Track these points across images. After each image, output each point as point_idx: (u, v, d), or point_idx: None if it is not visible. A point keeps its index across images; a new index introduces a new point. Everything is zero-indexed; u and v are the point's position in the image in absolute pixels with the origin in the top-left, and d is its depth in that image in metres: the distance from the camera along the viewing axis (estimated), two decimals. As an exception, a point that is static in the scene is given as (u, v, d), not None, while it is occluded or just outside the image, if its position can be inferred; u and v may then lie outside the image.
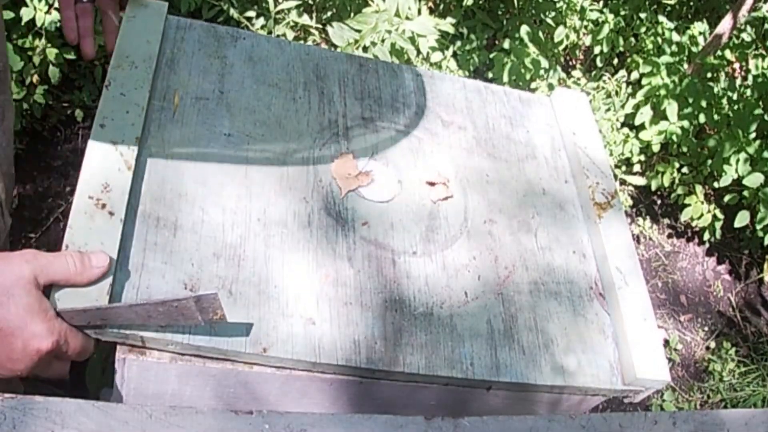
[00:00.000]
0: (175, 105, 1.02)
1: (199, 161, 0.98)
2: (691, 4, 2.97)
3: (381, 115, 1.15)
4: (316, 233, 0.97)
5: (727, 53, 2.57)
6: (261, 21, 2.12)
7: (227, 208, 0.94)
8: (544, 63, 2.38)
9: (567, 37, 2.56)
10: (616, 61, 2.81)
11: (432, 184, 1.10)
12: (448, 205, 1.09)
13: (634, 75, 2.58)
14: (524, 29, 2.42)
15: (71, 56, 1.82)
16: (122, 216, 0.86)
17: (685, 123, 2.33)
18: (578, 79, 2.68)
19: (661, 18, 2.66)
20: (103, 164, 0.90)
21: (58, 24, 1.71)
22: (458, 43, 2.45)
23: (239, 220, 0.94)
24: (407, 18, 1.94)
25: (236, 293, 0.87)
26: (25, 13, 1.67)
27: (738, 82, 2.57)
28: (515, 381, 0.94)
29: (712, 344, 2.36)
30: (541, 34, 2.51)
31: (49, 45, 1.76)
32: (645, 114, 2.42)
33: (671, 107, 2.33)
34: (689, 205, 2.40)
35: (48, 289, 0.78)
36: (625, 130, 2.53)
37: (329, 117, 1.11)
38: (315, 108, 1.12)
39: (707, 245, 2.59)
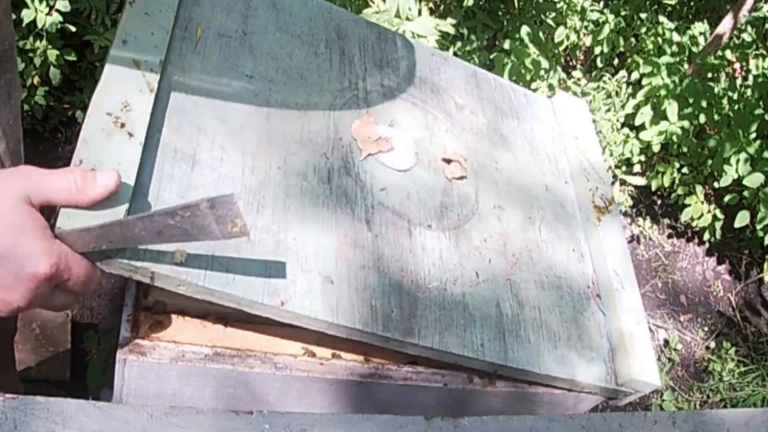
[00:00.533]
0: (198, 37, 0.97)
1: (219, 98, 0.93)
2: (692, 4, 2.97)
3: (399, 86, 1.15)
4: (335, 191, 0.94)
5: (728, 53, 2.57)
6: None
7: (247, 151, 0.90)
8: (545, 63, 2.38)
9: (567, 37, 2.57)
10: (616, 61, 2.82)
11: (448, 161, 1.09)
12: (460, 185, 1.09)
13: (635, 75, 2.58)
14: (524, 30, 2.42)
15: (72, 58, 1.82)
16: (142, 139, 0.79)
17: (686, 123, 2.33)
18: (578, 79, 2.68)
19: (662, 18, 2.66)
20: (124, 82, 0.84)
21: (59, 25, 1.71)
22: (459, 44, 2.45)
23: (259, 165, 0.90)
24: (407, 19, 1.94)
25: (255, 240, 0.83)
26: (26, 15, 1.67)
27: (738, 82, 2.57)
28: (521, 368, 0.94)
29: (712, 344, 2.36)
30: (541, 34, 2.51)
31: (49, 46, 1.76)
32: (645, 114, 2.42)
33: (671, 107, 2.33)
34: (689, 205, 2.40)
35: (47, 215, 0.70)
36: (626, 130, 2.53)
37: (350, 78, 1.10)
38: (336, 67, 1.10)
39: (707, 245, 2.59)
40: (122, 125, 0.79)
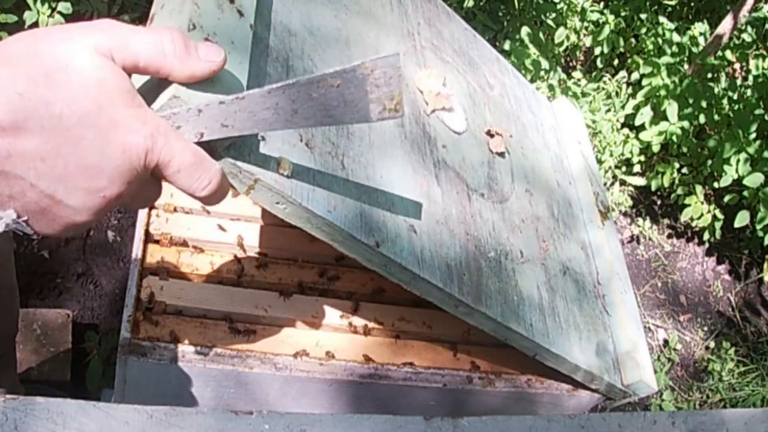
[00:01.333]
0: None
1: (301, 4, 0.86)
2: (692, 4, 2.97)
3: (445, 50, 1.11)
4: (409, 137, 0.90)
5: (728, 53, 2.57)
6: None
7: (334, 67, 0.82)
8: (545, 64, 2.38)
9: (567, 38, 2.57)
10: (616, 61, 2.82)
11: (491, 135, 1.07)
12: (501, 162, 1.07)
13: (635, 76, 2.58)
14: (525, 30, 2.42)
15: (72, 58, 1.83)
16: (252, 21, 0.71)
17: (686, 123, 2.33)
18: (578, 80, 2.68)
19: (662, 19, 2.66)
20: None
21: (60, 26, 1.72)
22: (458, 44, 2.45)
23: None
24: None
25: (348, 168, 0.77)
26: (29, 17, 1.67)
27: (738, 82, 2.57)
28: (558, 353, 0.94)
29: (712, 344, 2.36)
30: (541, 35, 2.51)
31: None
32: (645, 114, 2.42)
33: (671, 108, 2.34)
34: (689, 205, 2.40)
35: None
36: (626, 130, 2.53)
37: (407, 28, 1.06)
38: (395, 13, 1.06)
39: (707, 245, 2.59)
40: (232, 0, 0.69)
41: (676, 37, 2.56)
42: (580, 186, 1.23)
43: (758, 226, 2.22)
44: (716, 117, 2.36)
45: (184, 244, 0.99)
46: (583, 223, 1.19)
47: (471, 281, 0.86)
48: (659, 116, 2.39)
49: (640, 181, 2.55)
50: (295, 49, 0.80)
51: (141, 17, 1.91)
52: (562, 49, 2.63)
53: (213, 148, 0.58)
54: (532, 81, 2.41)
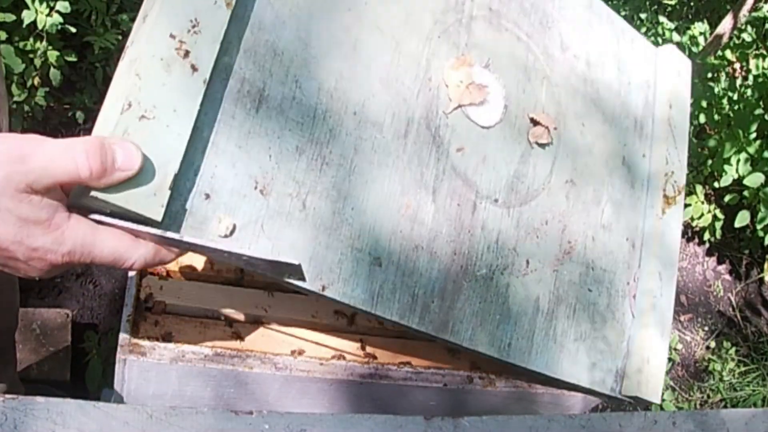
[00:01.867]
0: None
1: (306, 10, 0.77)
2: (692, 4, 2.97)
3: (508, 12, 0.96)
4: (409, 149, 0.83)
5: (728, 53, 2.57)
6: None
7: (324, 88, 0.77)
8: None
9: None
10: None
11: (535, 122, 0.95)
12: (540, 153, 0.96)
13: (635, 75, 2.58)
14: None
15: (72, 59, 1.82)
16: (207, 76, 0.66)
17: (686, 123, 2.33)
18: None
19: (662, 18, 2.66)
20: None
21: (59, 26, 1.71)
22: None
23: (334, 107, 0.77)
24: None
25: (310, 207, 0.74)
26: (27, 16, 1.67)
27: (738, 82, 2.57)
28: (539, 371, 0.91)
29: (712, 344, 2.36)
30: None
31: (50, 47, 1.76)
32: (645, 114, 2.41)
33: (671, 107, 2.33)
34: (689, 205, 2.40)
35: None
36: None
37: None
38: None
39: (707, 245, 2.59)
40: (186, 54, 0.64)
41: (676, 37, 2.56)
42: (654, 161, 1.07)
43: (758, 226, 2.21)
44: (716, 117, 2.36)
45: (184, 243, 0.99)
46: (642, 209, 1.05)
47: (440, 308, 0.83)
48: (659, 116, 2.39)
49: (640, 181, 2.55)
50: (277, 73, 0.74)
51: (141, 17, 1.91)
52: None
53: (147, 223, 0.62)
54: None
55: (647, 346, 0.99)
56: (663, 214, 1.04)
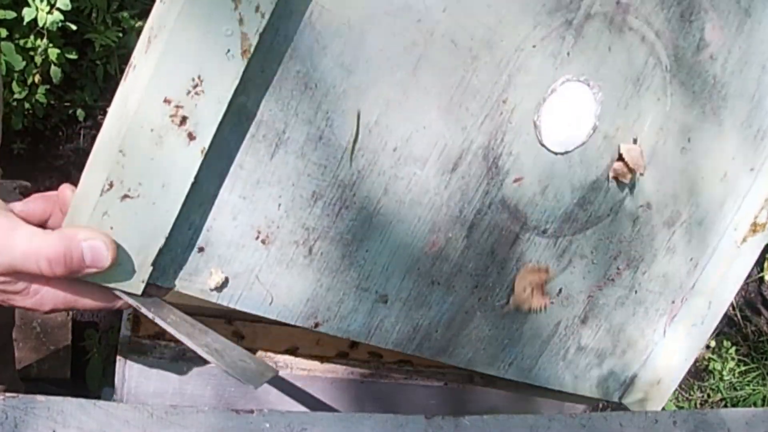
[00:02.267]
0: None
1: (358, 26, 0.61)
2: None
3: (641, 6, 0.75)
4: (453, 185, 0.72)
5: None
6: None
7: (363, 122, 0.65)
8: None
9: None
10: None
11: (621, 159, 0.81)
12: (616, 183, 0.83)
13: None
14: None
15: (73, 56, 1.82)
16: (206, 145, 0.56)
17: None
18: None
19: None
20: (204, 37, 0.53)
21: (60, 24, 1.71)
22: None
23: (371, 145, 0.66)
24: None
25: (316, 253, 0.68)
26: (27, 13, 1.67)
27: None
28: (537, 384, 0.89)
29: (712, 343, 2.36)
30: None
31: (50, 45, 1.76)
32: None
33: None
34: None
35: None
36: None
37: None
38: None
39: (708, 244, 2.59)
40: (182, 121, 0.54)
41: None
42: (760, 181, 0.92)
43: (759, 225, 2.21)
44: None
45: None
46: (721, 232, 0.93)
47: (443, 336, 0.79)
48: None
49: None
50: (304, 112, 0.62)
51: (140, 13, 1.90)
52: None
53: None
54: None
55: (665, 368, 0.95)
56: (743, 242, 0.92)
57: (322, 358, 0.93)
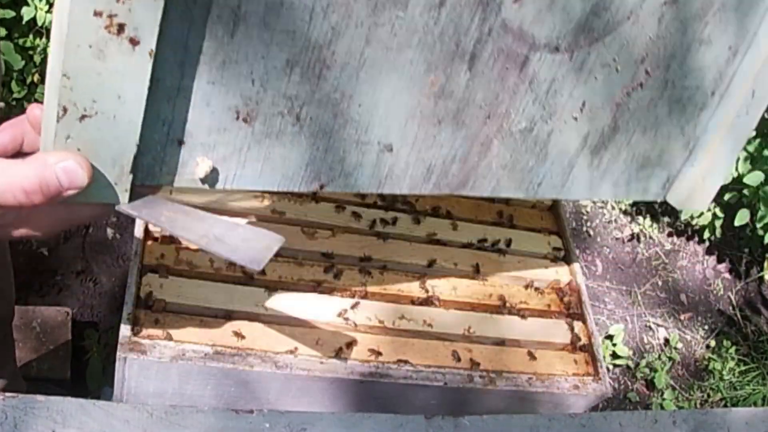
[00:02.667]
0: None
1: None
2: (692, 2, 2.96)
3: None
4: (444, 19, 0.66)
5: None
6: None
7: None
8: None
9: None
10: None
11: None
12: None
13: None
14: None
15: (72, 55, 1.83)
16: (152, 46, 0.54)
17: (686, 122, 2.33)
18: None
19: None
20: None
21: (59, 23, 1.71)
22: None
23: None
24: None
25: (305, 119, 0.66)
26: (26, 12, 1.67)
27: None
28: (573, 198, 0.83)
29: (713, 343, 2.36)
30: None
31: (49, 44, 1.76)
32: (646, 113, 2.41)
33: (672, 106, 2.33)
34: (690, 203, 2.40)
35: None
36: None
37: None
38: None
39: (707, 244, 2.59)
40: (120, 28, 0.52)
41: None
42: None
43: (758, 225, 2.21)
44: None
45: (184, 241, 0.99)
46: (761, 13, 0.86)
47: (461, 171, 0.76)
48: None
49: (641, 180, 2.54)
50: None
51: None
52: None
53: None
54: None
55: (711, 163, 0.90)
56: None
57: (322, 358, 0.93)
